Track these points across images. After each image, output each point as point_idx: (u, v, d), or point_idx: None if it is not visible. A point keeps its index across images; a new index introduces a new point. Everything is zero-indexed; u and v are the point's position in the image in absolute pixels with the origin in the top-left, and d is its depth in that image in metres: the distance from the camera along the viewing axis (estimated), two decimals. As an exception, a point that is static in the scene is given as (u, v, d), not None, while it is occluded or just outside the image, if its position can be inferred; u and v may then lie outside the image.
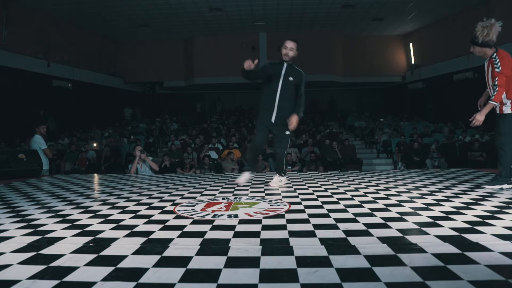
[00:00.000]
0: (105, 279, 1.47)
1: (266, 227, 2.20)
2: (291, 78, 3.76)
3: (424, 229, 2.07)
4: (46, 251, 1.82)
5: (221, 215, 2.55)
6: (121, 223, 2.38)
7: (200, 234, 2.08)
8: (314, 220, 2.33)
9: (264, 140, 4.02)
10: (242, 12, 14.07)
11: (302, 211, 2.62)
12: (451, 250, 1.71)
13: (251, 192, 3.58)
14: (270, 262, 1.62)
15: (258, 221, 2.35)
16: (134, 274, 1.51)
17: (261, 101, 3.89)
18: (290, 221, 2.34)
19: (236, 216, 2.51)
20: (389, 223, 2.22)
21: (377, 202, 2.88)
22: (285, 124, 3.72)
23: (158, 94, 20.14)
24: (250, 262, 1.62)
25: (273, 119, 3.76)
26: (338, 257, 1.64)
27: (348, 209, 2.66)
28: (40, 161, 5.58)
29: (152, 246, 1.88)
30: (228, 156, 9.60)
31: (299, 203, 2.91)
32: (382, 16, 14.56)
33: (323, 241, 1.89)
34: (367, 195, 3.23)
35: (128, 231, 2.17)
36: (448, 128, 13.03)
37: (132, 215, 2.62)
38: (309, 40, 16.83)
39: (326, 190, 3.57)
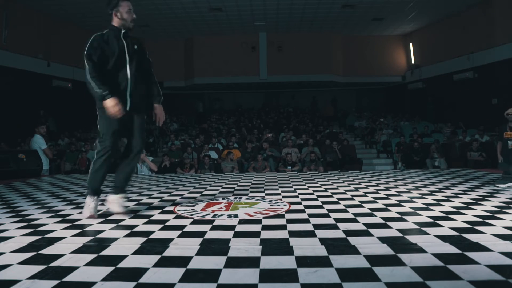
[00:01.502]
0: (105, 279, 1.47)
1: (266, 227, 2.20)
2: (135, 46, 2.83)
3: (424, 229, 2.07)
4: (46, 251, 1.82)
5: (221, 215, 2.55)
6: (121, 223, 2.38)
7: (200, 234, 2.08)
8: (314, 220, 2.33)
9: (119, 140, 2.86)
10: (242, 12, 14.06)
11: (302, 211, 2.62)
12: (451, 250, 1.71)
13: (251, 192, 3.58)
14: (270, 262, 1.62)
15: (258, 221, 2.35)
16: (134, 274, 1.51)
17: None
18: (290, 221, 2.34)
19: (236, 216, 2.51)
20: (389, 223, 2.22)
21: (377, 202, 2.88)
22: (142, 110, 2.86)
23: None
24: (250, 262, 1.62)
25: (128, 107, 2.70)
26: (338, 257, 1.64)
27: (348, 209, 2.66)
28: (40, 161, 5.58)
29: (152, 246, 1.88)
30: (227, 156, 9.60)
31: (299, 203, 2.91)
32: (382, 16, 14.55)
33: (323, 241, 1.89)
34: (367, 195, 3.23)
35: (128, 231, 2.17)
36: (450, 128, 13.04)
37: (132, 215, 2.62)
38: (309, 40, 16.85)
39: (326, 190, 3.57)
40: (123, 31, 2.79)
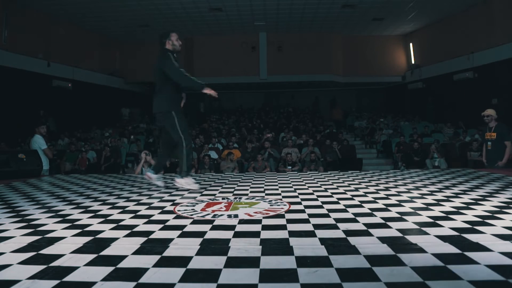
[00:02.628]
0: (105, 279, 1.47)
1: (266, 227, 2.20)
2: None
3: (424, 229, 2.07)
4: (46, 251, 1.82)
5: (221, 215, 2.55)
6: (121, 223, 2.38)
7: (200, 234, 2.08)
8: (314, 220, 2.33)
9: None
10: (242, 12, 14.07)
11: (302, 211, 2.62)
12: (451, 250, 1.71)
13: (251, 192, 3.58)
14: (270, 262, 1.61)
15: (258, 221, 2.35)
16: (134, 274, 1.51)
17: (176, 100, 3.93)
18: (290, 221, 2.34)
19: (236, 216, 2.51)
20: (389, 223, 2.22)
21: (377, 202, 2.88)
22: (164, 115, 3.76)
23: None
24: (250, 262, 1.62)
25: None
26: (338, 257, 1.64)
27: (348, 209, 2.66)
28: (40, 161, 5.58)
29: (152, 246, 1.88)
30: (227, 157, 9.60)
31: (299, 203, 2.91)
32: (382, 16, 14.56)
33: (323, 241, 1.89)
34: (367, 195, 3.23)
35: (128, 231, 2.17)
36: (450, 128, 13.05)
37: (132, 215, 2.62)
38: (309, 40, 16.85)
39: (326, 190, 3.57)
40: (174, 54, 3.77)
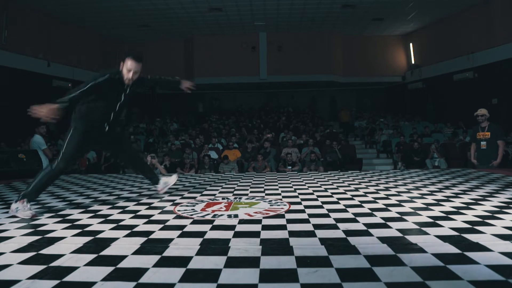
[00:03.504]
0: (105, 279, 1.47)
1: (266, 227, 2.20)
2: (128, 91, 3.27)
3: (424, 229, 2.07)
4: (46, 251, 1.82)
5: (221, 215, 2.55)
6: (121, 223, 2.38)
7: (200, 234, 2.08)
8: (314, 220, 2.33)
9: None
10: (242, 12, 14.06)
11: (302, 211, 2.62)
12: (451, 250, 1.71)
13: (251, 192, 3.58)
14: (270, 262, 1.62)
15: (258, 221, 2.35)
16: (134, 274, 1.51)
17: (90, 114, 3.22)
18: (290, 221, 2.34)
19: (236, 216, 2.51)
20: (389, 223, 2.22)
21: (377, 202, 2.88)
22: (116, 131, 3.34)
23: (158, 94, 20.12)
24: (250, 262, 1.62)
25: (106, 129, 3.23)
26: (338, 257, 1.64)
27: (348, 209, 2.66)
28: (40, 161, 5.58)
29: (152, 246, 1.88)
30: (223, 160, 9.59)
31: (299, 203, 2.91)
32: (382, 16, 14.55)
33: (323, 241, 1.89)
34: (367, 195, 3.23)
35: (128, 231, 2.17)
36: (450, 129, 13.05)
37: (132, 215, 2.62)
38: (309, 40, 16.84)
39: (326, 190, 3.57)
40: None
